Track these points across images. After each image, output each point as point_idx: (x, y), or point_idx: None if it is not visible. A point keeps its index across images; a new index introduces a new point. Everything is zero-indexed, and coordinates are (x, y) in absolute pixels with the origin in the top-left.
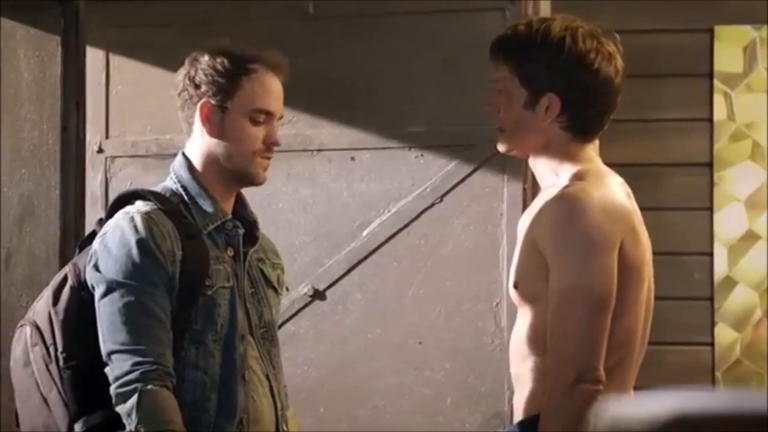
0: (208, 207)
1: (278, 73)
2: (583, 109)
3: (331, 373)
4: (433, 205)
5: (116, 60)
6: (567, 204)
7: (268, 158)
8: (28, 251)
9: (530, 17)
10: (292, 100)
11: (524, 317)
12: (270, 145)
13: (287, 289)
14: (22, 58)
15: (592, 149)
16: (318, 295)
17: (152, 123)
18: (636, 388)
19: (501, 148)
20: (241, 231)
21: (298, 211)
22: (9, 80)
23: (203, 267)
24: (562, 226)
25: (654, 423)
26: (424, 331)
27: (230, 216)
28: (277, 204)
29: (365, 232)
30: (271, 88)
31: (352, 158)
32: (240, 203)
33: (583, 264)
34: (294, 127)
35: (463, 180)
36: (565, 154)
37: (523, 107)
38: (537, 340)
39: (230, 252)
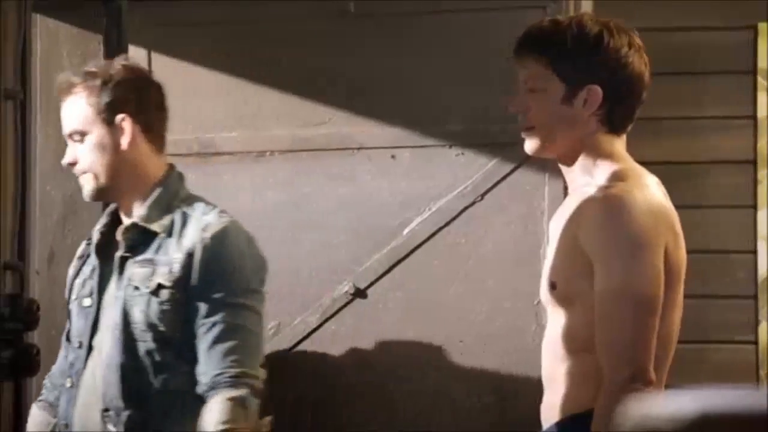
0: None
1: (63, 94)
2: (620, 102)
3: (371, 372)
4: (473, 203)
5: (158, 59)
6: (613, 205)
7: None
8: (71, 250)
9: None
10: (331, 98)
11: (560, 318)
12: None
13: (161, 285)
14: (64, 57)
15: (624, 146)
16: (359, 293)
17: (194, 122)
18: (671, 386)
19: (531, 146)
20: (98, 237)
21: (338, 210)
22: (52, 79)
23: (69, 283)
24: (610, 228)
25: (681, 422)
26: (465, 330)
27: (100, 224)
28: (317, 203)
29: (406, 231)
30: (62, 112)
31: (393, 156)
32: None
33: (632, 266)
34: (333, 125)
35: (504, 178)
36: (599, 151)
37: (561, 102)
38: (574, 342)
39: (96, 260)
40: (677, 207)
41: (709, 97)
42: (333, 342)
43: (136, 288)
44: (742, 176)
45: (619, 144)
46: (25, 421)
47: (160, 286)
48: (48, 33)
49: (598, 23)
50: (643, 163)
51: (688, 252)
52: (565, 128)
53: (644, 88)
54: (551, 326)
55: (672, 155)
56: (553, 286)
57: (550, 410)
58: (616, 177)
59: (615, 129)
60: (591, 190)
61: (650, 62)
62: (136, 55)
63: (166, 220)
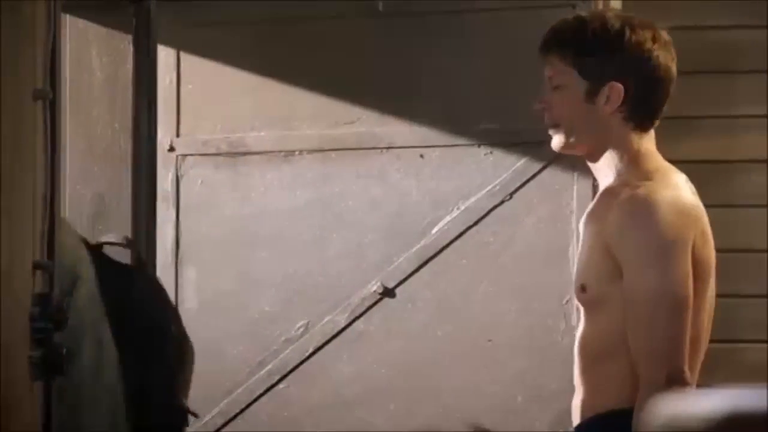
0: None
1: None
2: (645, 98)
3: (400, 371)
4: (502, 202)
5: (187, 59)
6: (639, 206)
7: None
8: None
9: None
10: (360, 98)
11: (590, 321)
12: None
13: None
14: (94, 58)
15: (652, 143)
16: (388, 292)
17: (223, 121)
18: (702, 386)
19: (558, 142)
20: None
21: (367, 209)
22: (81, 79)
23: None
24: (636, 229)
25: (711, 421)
26: (494, 329)
27: None
28: (347, 202)
29: (435, 230)
30: None
31: (422, 156)
32: None
33: (661, 266)
34: (363, 125)
35: (532, 177)
36: (625, 148)
37: (584, 99)
38: (601, 343)
39: None
40: (708, 206)
41: (740, 96)
42: (362, 341)
43: None
44: None
45: (647, 141)
46: (54, 422)
47: None
48: (78, 33)
49: (620, 19)
50: (674, 162)
51: (719, 251)
52: (589, 126)
53: (671, 84)
54: (583, 329)
55: (704, 153)
56: (582, 289)
57: (577, 411)
58: (642, 176)
59: (640, 126)
60: (617, 190)
61: (682, 61)
62: (166, 55)
63: None
